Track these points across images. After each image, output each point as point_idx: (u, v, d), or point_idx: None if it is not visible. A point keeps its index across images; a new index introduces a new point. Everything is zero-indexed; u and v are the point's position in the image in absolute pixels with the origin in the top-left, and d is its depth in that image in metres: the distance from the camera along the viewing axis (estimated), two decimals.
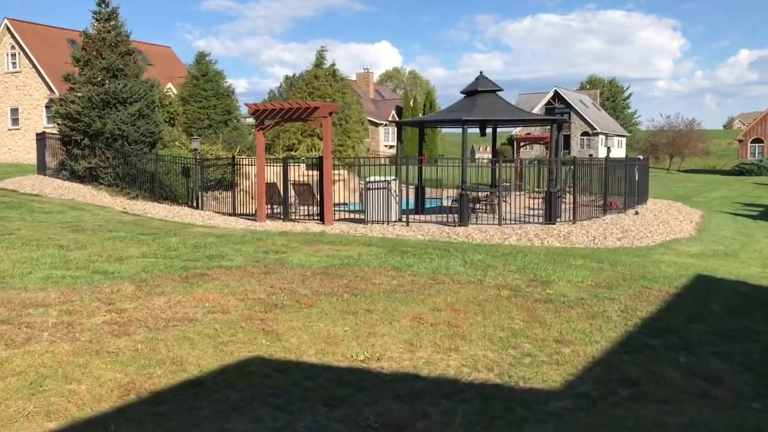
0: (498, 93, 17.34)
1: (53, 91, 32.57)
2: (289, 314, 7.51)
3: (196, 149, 19.36)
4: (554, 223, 15.55)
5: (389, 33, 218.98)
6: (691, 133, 64.32)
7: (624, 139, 74.68)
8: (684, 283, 9.61)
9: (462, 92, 17.66)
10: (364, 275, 9.48)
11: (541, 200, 17.07)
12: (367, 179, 15.84)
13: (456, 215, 15.53)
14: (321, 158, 15.93)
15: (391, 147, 59.52)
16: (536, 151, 59.76)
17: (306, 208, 17.13)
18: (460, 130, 19.44)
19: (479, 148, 67.17)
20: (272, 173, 17.24)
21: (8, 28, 35.52)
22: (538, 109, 65.16)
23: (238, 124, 29.79)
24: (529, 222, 15.92)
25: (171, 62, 41.76)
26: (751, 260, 12.64)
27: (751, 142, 69.65)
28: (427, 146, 58.91)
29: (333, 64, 29.89)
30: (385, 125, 56.88)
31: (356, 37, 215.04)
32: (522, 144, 37.99)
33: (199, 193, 18.74)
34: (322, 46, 29.57)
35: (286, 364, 6.13)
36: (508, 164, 24.08)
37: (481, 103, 16.60)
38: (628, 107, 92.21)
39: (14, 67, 35.79)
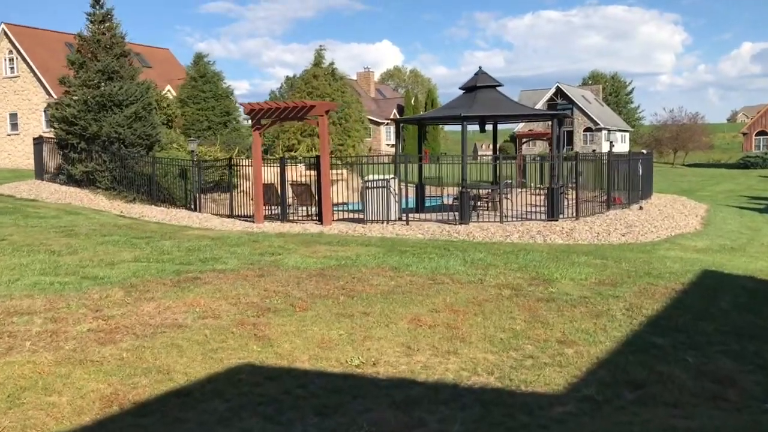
0: (498, 88, 17.07)
1: (51, 96, 32.38)
2: (283, 318, 7.27)
3: (193, 151, 19.14)
4: (557, 220, 15.29)
5: (390, 32, 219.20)
6: (694, 127, 63.97)
7: (627, 134, 74.29)
8: (690, 279, 9.35)
9: (461, 88, 17.39)
10: (362, 276, 9.23)
11: (543, 197, 16.81)
12: (366, 178, 15.60)
13: (457, 213, 15.28)
14: (318, 157, 15.69)
15: (393, 146, 59.27)
16: (539, 147, 59.44)
17: (305, 208, 16.90)
18: (469, 128, 19.12)
19: (482, 146, 66.84)
20: (271, 174, 17.01)
21: (5, 33, 35.37)
22: (540, 106, 64.86)
23: (238, 125, 29.58)
24: (531, 219, 15.65)
25: (170, 64, 41.57)
26: (759, 254, 12.37)
27: (756, 135, 69.24)
28: (429, 144, 58.70)
29: (332, 63, 29.69)
30: (387, 124, 56.64)
31: (357, 37, 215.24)
32: (524, 140, 37.69)
33: (197, 195, 18.52)
34: (321, 45, 29.54)
35: (278, 371, 5.90)
36: (510, 161, 23.81)
37: (481, 98, 16.33)
38: (631, 102, 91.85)
39: (12, 72, 35.63)
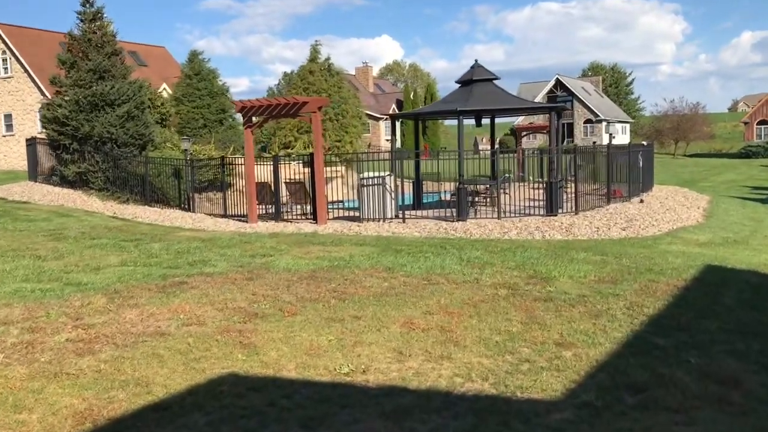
0: (494, 81, 16.77)
1: (46, 96, 32.10)
2: (270, 324, 7.02)
3: (186, 150, 18.86)
4: (556, 215, 15.01)
5: (389, 27, 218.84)
6: (695, 117, 63.52)
7: (628, 126, 73.92)
8: (693, 275, 9.08)
9: (457, 81, 17.09)
10: (354, 278, 8.97)
11: (543, 191, 16.53)
12: (361, 175, 15.33)
13: (454, 210, 15.01)
14: (312, 155, 15.42)
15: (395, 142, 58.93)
16: (540, 140, 59.16)
17: (300, 207, 16.63)
18: (467, 122, 18.83)
19: (482, 140, 66.48)
20: (266, 172, 16.74)
21: None
22: (539, 98, 64.51)
23: (234, 122, 29.31)
24: (530, 214, 15.38)
25: (166, 62, 41.31)
26: (763, 247, 12.10)
27: (757, 124, 68.87)
28: (428, 139, 58.40)
29: (328, 59, 29.37)
30: (386, 119, 56.36)
31: (357, 32, 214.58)
32: (523, 134, 37.40)
33: (191, 195, 18.25)
34: (316, 40, 29.24)
35: (262, 381, 5.64)
36: (510, 155, 23.53)
37: (477, 92, 16.03)
38: (631, 93, 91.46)
39: (6, 72, 35.37)
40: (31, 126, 34.20)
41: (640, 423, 4.86)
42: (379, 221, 14.96)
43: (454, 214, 14.91)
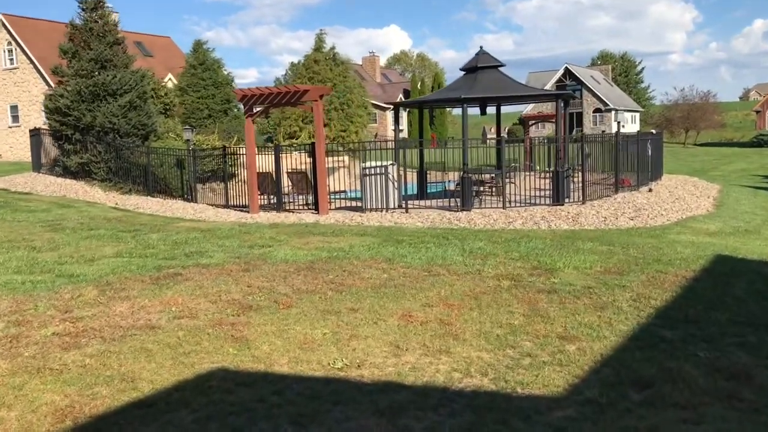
0: (500, 69, 16.44)
1: (51, 86, 32.00)
2: (264, 317, 6.81)
3: (189, 140, 18.66)
4: (562, 204, 14.73)
5: (398, 17, 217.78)
6: (706, 106, 62.83)
7: (638, 115, 73.27)
8: (702, 266, 8.82)
9: (462, 69, 16.77)
10: (353, 269, 8.75)
11: (550, 180, 16.23)
12: (364, 165, 15.09)
13: (459, 200, 14.75)
14: (314, 144, 15.18)
15: (400, 131, 58.65)
16: (548, 130, 58.62)
17: (303, 197, 16.41)
18: (474, 110, 18.54)
19: (491, 129, 66.01)
20: (268, 162, 16.52)
21: (3, 24, 34.97)
22: (549, 87, 63.90)
23: (239, 112, 29.10)
24: (536, 204, 15.11)
25: (171, 53, 41.10)
26: None
27: None
28: (436, 129, 58.03)
29: (333, 48, 29.06)
30: (393, 109, 56.04)
31: (365, 22, 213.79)
32: (531, 123, 37.01)
33: (193, 185, 18.07)
34: (321, 30, 28.82)
35: (253, 377, 5.44)
36: (517, 144, 23.21)
37: (482, 79, 15.73)
38: (641, 82, 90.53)
39: (11, 63, 35.26)
40: (37, 117, 34.09)
41: (646, 420, 4.64)
42: (381, 211, 14.73)
43: (459, 204, 14.66)
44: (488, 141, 24.44)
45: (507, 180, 16.48)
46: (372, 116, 49.42)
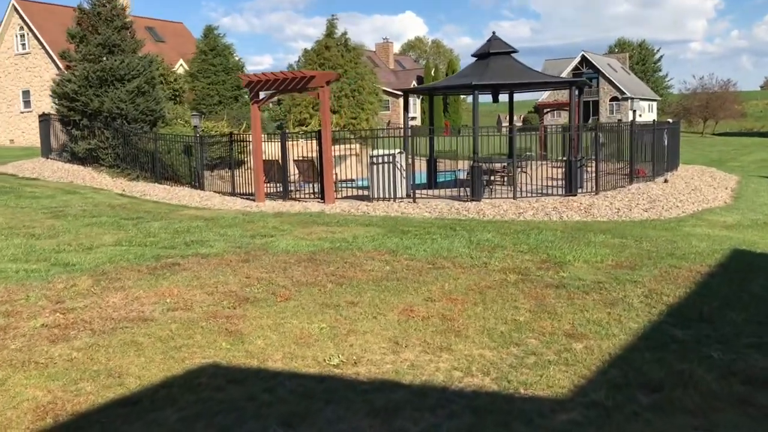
0: (512, 55, 16.06)
1: (62, 72, 31.97)
2: (261, 310, 6.60)
3: (196, 126, 18.45)
4: (575, 195, 14.40)
5: (413, 3, 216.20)
6: (725, 95, 61.94)
7: (655, 104, 72.35)
8: (718, 260, 8.51)
9: (473, 55, 16.39)
10: (355, 261, 8.51)
11: (563, 170, 15.88)
12: (371, 153, 14.82)
13: (469, 189, 14.45)
14: (320, 132, 14.92)
15: (413, 118, 58.28)
16: (564, 118, 57.99)
17: (311, 185, 16.18)
18: (485, 97, 18.14)
19: (505, 117, 65.47)
20: (276, 150, 16.27)
21: (15, 9, 34.93)
22: (565, 75, 63.20)
23: (249, 99, 28.81)
24: (548, 194, 14.78)
25: (183, 38, 40.93)
26: None
27: None
28: (449, 116, 57.59)
29: (344, 34, 28.70)
30: (402, 96, 55.63)
31: (381, 9, 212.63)
32: (546, 111, 36.54)
33: (201, 172, 17.89)
34: (333, 15, 28.35)
35: (245, 373, 5.23)
36: (531, 132, 22.81)
37: (494, 66, 15.36)
38: (659, 70, 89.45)
39: (24, 48, 35.25)
40: (48, 102, 33.91)
41: (654, 426, 4.39)
42: (389, 201, 14.47)
43: (468, 194, 14.36)
44: (502, 129, 24.06)
45: (519, 169, 16.16)
46: (384, 103, 49.05)
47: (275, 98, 30.51)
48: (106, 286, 7.28)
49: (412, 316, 6.45)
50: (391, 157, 14.47)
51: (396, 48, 73.46)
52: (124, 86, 19.30)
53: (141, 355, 5.49)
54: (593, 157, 15.39)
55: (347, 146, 19.41)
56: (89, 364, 5.31)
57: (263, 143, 16.29)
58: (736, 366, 5.27)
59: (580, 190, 14.71)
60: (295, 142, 17.02)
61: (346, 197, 15.55)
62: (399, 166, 14.55)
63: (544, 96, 62.94)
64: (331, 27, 28.53)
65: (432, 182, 16.80)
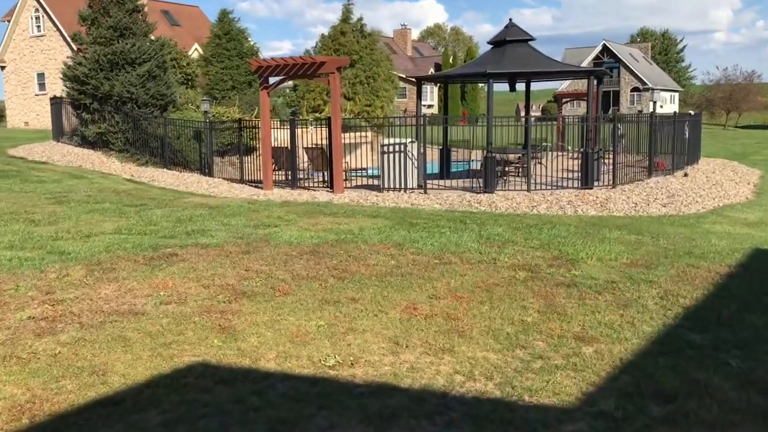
0: (530, 43, 15.62)
1: (76, 54, 31.88)
2: (257, 305, 6.35)
3: (206, 111, 18.20)
4: (591, 188, 14.00)
5: None
6: (750, 87, 60.80)
7: (677, 95, 71.20)
8: (739, 260, 8.14)
9: (489, 42, 15.97)
10: (359, 254, 8.23)
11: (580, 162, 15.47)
12: (383, 142, 14.50)
13: (482, 180, 14.10)
14: (329, 119, 14.62)
15: (429, 107, 57.75)
16: (583, 108, 57.21)
17: (321, 174, 15.89)
18: (503, 86, 17.76)
19: (531, 107, 64.71)
20: (287, 137, 15.98)
21: None
22: (585, 64, 62.35)
23: None
24: (564, 187, 14.39)
25: (199, 22, 40.68)
26: None
27: None
28: (467, 105, 56.96)
29: (360, 19, 28.31)
30: (424, 84, 55.03)
31: None
32: (565, 101, 35.95)
33: (210, 158, 17.66)
34: (349, 1, 27.89)
35: (235, 373, 4.99)
36: (549, 123, 22.35)
37: (510, 54, 14.93)
38: (682, 61, 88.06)
39: (39, 30, 35.19)
40: (62, 85, 34.08)
41: None
42: (399, 191, 14.15)
43: (481, 185, 14.01)
44: (520, 119, 23.61)
45: (535, 161, 15.77)
46: (401, 91, 48.60)
47: (291, 84, 30.25)
48: (99, 277, 7.06)
49: (415, 314, 6.17)
50: (402, 147, 14.14)
51: (415, 35, 72.81)
52: (135, 70, 19.09)
53: (128, 352, 5.26)
54: (611, 149, 14.98)
55: (360, 134, 19.09)
56: (73, 360, 5.09)
57: (274, 130, 16.02)
58: (755, 374, 4.97)
59: (596, 183, 14.31)
60: (305, 130, 16.70)
61: (357, 186, 15.26)
62: (411, 155, 14.22)
63: (563, 85, 62.10)
64: (347, 12, 28.15)
65: (445, 172, 16.45)
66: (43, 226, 9.78)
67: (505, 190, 13.99)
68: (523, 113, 57.89)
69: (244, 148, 17.07)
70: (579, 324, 5.95)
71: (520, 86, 18.42)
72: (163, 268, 7.45)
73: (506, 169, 15.36)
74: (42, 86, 35.48)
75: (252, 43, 28.44)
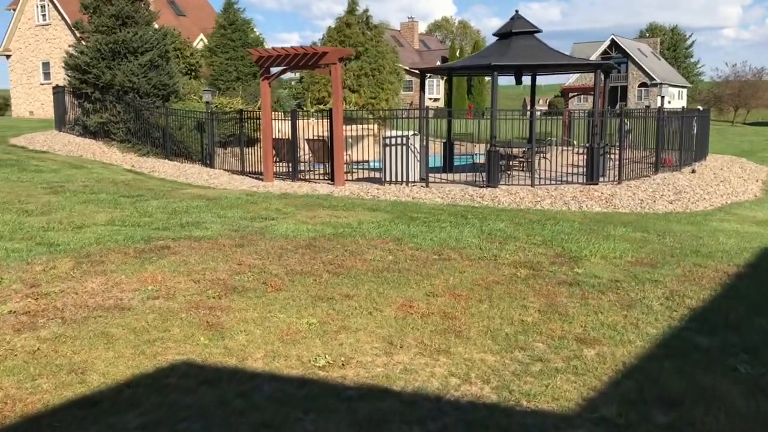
0: (536, 35, 15.33)
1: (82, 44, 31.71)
2: (248, 301, 6.14)
3: (208, 102, 17.98)
4: (596, 184, 13.74)
5: None
6: (759, 83, 60.26)
7: (685, 90, 70.66)
8: (747, 260, 7.90)
9: (495, 34, 15.69)
10: (356, 249, 8.01)
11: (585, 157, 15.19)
12: (385, 135, 14.26)
13: (485, 174, 13.85)
14: (331, 111, 14.39)
15: (436, 100, 57.44)
16: (591, 103, 56.84)
17: (324, 166, 15.67)
18: (510, 80, 17.49)
19: (538, 101, 64.23)
20: (288, 128, 15.74)
21: None
22: (593, 59, 61.86)
23: None
24: (569, 182, 14.13)
25: (205, 12, 40.45)
26: None
27: None
28: (473, 98, 56.62)
29: (366, 11, 28.03)
30: (430, 77, 54.64)
31: None
32: (571, 95, 35.60)
33: (212, 149, 17.45)
34: None
35: (220, 373, 4.78)
36: (555, 117, 22.03)
37: (516, 46, 14.64)
38: (690, 57, 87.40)
39: (44, 19, 35.03)
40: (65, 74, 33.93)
41: None
42: (401, 185, 13.92)
43: (484, 179, 13.77)
44: (528, 113, 23.25)
45: (540, 155, 15.51)
46: (407, 84, 48.31)
47: (297, 76, 29.99)
48: (86, 270, 6.85)
49: (411, 312, 5.96)
50: (404, 140, 13.90)
51: (422, 28, 72.47)
52: (137, 59, 18.88)
53: (110, 349, 5.06)
54: (617, 144, 14.71)
55: (365, 126, 18.83)
56: (52, 358, 4.89)
57: (276, 122, 15.80)
58: (764, 381, 4.75)
59: (602, 179, 14.05)
60: (307, 121, 16.46)
61: (359, 179, 15.04)
62: (413, 148, 13.97)
63: (571, 80, 61.69)
64: (352, 4, 27.86)
65: (448, 166, 16.20)
66: (36, 216, 9.59)
67: (508, 185, 13.75)
68: (530, 107, 57.53)
69: (246, 139, 16.83)
70: (581, 325, 5.73)
71: (527, 79, 18.18)
72: (154, 261, 7.24)
73: (510, 163, 15.10)
74: (47, 75, 35.33)
75: (257, 33, 28.22)
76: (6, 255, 7.37)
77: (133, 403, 4.32)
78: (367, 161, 16.45)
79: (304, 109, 24.05)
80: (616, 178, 14.17)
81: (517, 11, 15.38)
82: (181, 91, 20.24)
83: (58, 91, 23.20)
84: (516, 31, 14.92)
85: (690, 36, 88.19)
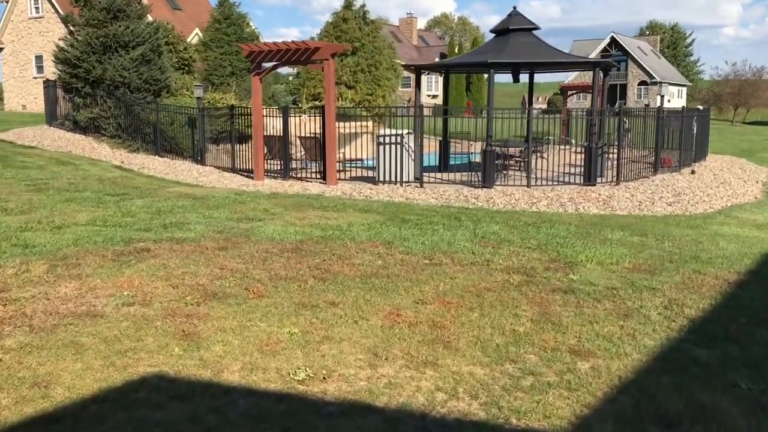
0: (534, 32, 15.05)
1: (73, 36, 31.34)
2: (228, 308, 5.88)
3: (199, 98, 17.66)
4: (594, 185, 13.48)
5: None
6: (759, 82, 60.01)
7: (684, 89, 70.37)
8: (748, 266, 7.65)
9: (492, 31, 15.40)
10: (344, 253, 7.74)
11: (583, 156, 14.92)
12: (378, 133, 13.98)
13: (480, 174, 13.58)
14: (323, 107, 14.10)
15: (434, 97, 57.13)
16: (590, 101, 56.57)
17: (316, 164, 15.39)
18: (509, 78, 17.22)
19: (537, 98, 63.96)
20: (281, 125, 15.45)
21: None
22: (593, 57, 61.58)
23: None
24: (566, 182, 13.87)
25: (201, 6, 40.07)
26: None
27: None
28: (472, 96, 56.30)
29: (363, 6, 27.65)
30: (428, 74, 54.31)
31: None
32: (570, 93, 35.33)
33: (203, 146, 17.15)
34: None
35: (193, 387, 4.52)
36: (553, 116, 21.77)
37: (513, 43, 14.35)
38: (690, 55, 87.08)
39: (37, 12, 34.66)
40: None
41: None
42: (395, 184, 13.64)
43: (480, 179, 13.50)
44: (527, 111, 22.94)
45: (537, 154, 15.25)
46: (405, 80, 48.00)
47: (294, 71, 29.63)
48: (61, 274, 6.57)
49: (398, 321, 5.70)
50: (399, 138, 13.62)
51: (421, 24, 72.13)
52: (128, 53, 18.56)
53: (79, 360, 4.80)
54: (616, 144, 14.45)
55: (360, 124, 18.54)
56: (15, 370, 4.62)
57: (269, 118, 15.50)
58: (765, 398, 4.52)
59: (599, 180, 13.78)
60: (300, 118, 16.16)
61: (352, 178, 14.76)
62: (407, 147, 13.69)
63: (570, 77, 61.41)
64: None
65: (443, 165, 15.92)
66: (15, 215, 9.30)
67: (504, 185, 13.48)
68: (535, 106, 57.19)
69: (238, 135, 16.52)
70: (575, 336, 5.48)
71: (524, 77, 17.86)
72: (132, 264, 6.96)
73: (507, 162, 14.84)
74: (40, 69, 34.97)
75: (253, 28, 27.84)
76: None
77: (98, 419, 4.07)
78: (362, 159, 16.17)
79: (299, 105, 23.73)
80: (614, 178, 13.91)
81: (515, 8, 15.09)
82: (173, 86, 19.92)
83: (48, 85, 22.86)
84: (513, 28, 14.63)
85: (690, 34, 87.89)
